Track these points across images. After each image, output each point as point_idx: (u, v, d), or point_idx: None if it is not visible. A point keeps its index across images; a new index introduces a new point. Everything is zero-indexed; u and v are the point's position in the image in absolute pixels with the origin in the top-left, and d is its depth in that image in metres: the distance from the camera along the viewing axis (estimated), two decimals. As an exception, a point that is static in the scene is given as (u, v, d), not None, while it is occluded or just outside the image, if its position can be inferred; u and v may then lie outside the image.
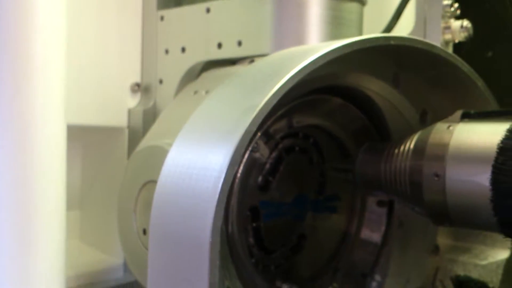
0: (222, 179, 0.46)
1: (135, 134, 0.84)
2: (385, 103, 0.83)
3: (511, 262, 0.87)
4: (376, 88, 0.80)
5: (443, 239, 0.91)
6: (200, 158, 0.51)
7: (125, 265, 0.90)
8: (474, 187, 0.64)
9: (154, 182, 0.61)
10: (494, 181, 0.59)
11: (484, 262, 0.87)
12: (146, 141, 0.72)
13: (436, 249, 0.90)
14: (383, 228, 0.91)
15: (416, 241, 0.90)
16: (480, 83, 0.80)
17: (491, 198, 0.60)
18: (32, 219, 0.65)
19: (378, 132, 0.86)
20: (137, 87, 0.89)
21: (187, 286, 0.51)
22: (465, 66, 0.77)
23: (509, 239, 0.62)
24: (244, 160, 0.72)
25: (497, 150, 0.59)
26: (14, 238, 0.65)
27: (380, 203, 0.91)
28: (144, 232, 0.68)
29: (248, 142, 0.49)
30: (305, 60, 0.56)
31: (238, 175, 0.72)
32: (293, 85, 0.57)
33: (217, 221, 0.47)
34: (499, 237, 0.90)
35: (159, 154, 0.57)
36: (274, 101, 0.51)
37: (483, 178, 0.62)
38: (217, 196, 0.48)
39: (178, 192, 0.53)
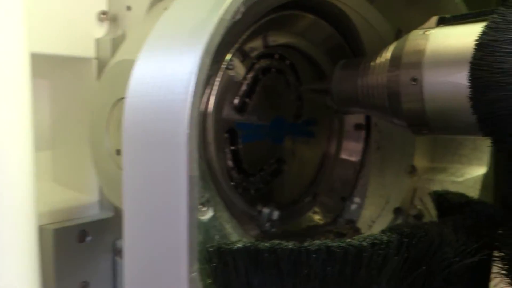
0: (197, 64, 0.45)
1: (104, 65, 0.81)
2: (360, 20, 0.82)
3: (488, 177, 0.88)
4: (350, 2, 0.78)
5: (419, 161, 0.92)
6: (173, 53, 0.49)
7: (100, 202, 0.88)
8: (451, 88, 0.64)
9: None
10: (473, 77, 0.59)
11: (461, 179, 0.88)
12: (117, 58, 0.69)
13: (413, 170, 0.90)
14: (361, 151, 0.91)
15: (393, 163, 0.90)
16: (455, -5, 0.79)
17: (470, 95, 0.59)
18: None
19: (353, 51, 0.84)
20: (104, 16, 0.85)
21: (165, 187, 0.50)
22: (440, -24, 0.76)
23: (488, 138, 0.61)
24: (219, 77, 0.71)
25: (475, 47, 0.59)
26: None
27: (357, 127, 0.91)
28: (118, 152, 0.66)
29: (223, 31, 0.48)
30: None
31: (213, 92, 0.70)
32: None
33: (193, 112, 0.46)
34: (475, 155, 0.93)
35: (130, 69, 0.54)
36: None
37: (460, 76, 0.61)
38: (192, 86, 0.46)
39: (150, 94, 0.51)
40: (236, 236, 0.63)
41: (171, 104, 0.47)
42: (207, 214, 0.58)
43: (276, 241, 0.49)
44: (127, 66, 0.61)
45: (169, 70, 0.49)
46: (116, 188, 0.67)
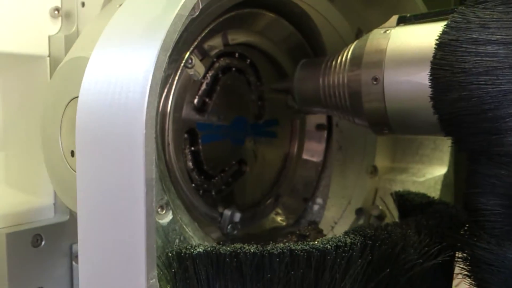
0: (154, 61, 0.43)
1: (57, 63, 0.78)
2: (321, 19, 0.81)
3: (449, 177, 0.89)
4: (310, 1, 0.77)
5: (381, 161, 0.92)
6: (127, 50, 0.47)
7: (56, 206, 0.85)
8: (413, 87, 0.64)
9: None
10: (434, 77, 0.59)
11: (422, 179, 0.89)
12: (69, 55, 0.66)
13: (374, 170, 0.90)
14: (322, 152, 0.90)
15: (355, 163, 0.90)
16: (415, -5, 0.79)
17: (431, 95, 0.59)
18: None
19: (314, 50, 0.84)
20: (57, 12, 0.82)
21: (121, 189, 0.47)
22: (400, -24, 0.76)
23: (449, 138, 0.61)
24: (177, 76, 0.69)
25: (435, 46, 0.59)
26: None
27: (319, 127, 0.90)
28: (72, 154, 0.63)
29: (180, 28, 0.46)
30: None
31: (172, 91, 0.68)
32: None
33: (150, 111, 0.44)
34: (435, 155, 0.93)
35: (84, 67, 0.52)
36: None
37: (422, 76, 0.61)
38: (148, 85, 0.44)
39: (104, 92, 0.49)
40: (196, 240, 0.61)
41: (127, 103, 0.45)
42: (166, 217, 0.56)
43: (238, 245, 0.47)
44: (81, 63, 0.58)
45: (124, 68, 0.46)
46: (71, 191, 0.64)
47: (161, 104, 0.67)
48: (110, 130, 0.48)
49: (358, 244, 0.48)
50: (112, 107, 0.47)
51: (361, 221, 0.87)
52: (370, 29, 0.71)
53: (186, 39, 0.63)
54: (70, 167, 0.64)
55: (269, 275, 0.45)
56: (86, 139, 0.51)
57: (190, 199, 0.73)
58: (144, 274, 0.47)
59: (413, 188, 0.85)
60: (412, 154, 0.92)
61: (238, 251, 0.45)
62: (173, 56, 0.63)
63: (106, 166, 0.49)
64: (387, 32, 0.68)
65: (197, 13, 0.51)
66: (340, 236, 0.49)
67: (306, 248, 0.45)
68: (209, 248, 0.47)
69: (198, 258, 0.47)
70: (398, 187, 0.88)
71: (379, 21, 0.73)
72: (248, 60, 0.81)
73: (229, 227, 0.76)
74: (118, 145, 0.46)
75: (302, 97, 0.78)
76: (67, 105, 0.63)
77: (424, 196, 0.78)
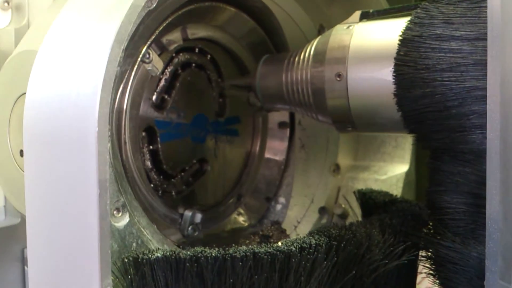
0: (107, 54, 0.40)
1: (7, 57, 0.74)
2: (283, 14, 0.79)
3: (410, 175, 0.89)
4: (273, -5, 0.76)
5: (343, 159, 0.91)
6: (79, 43, 0.44)
7: (6, 208, 0.80)
8: (376, 84, 0.63)
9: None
10: (397, 73, 0.58)
11: (384, 177, 0.88)
12: (18, 49, 0.62)
13: (337, 168, 0.89)
14: (285, 150, 0.89)
15: (317, 162, 0.89)
16: (377, -10, 0.78)
17: (395, 92, 0.58)
18: None
19: (275, 46, 0.82)
20: (6, 4, 0.78)
21: (73, 191, 0.44)
22: (362, -29, 0.75)
23: (412, 135, 0.61)
24: (134, 72, 0.66)
25: (399, 42, 0.58)
26: None
27: (281, 125, 0.89)
28: (21, 153, 0.59)
29: (135, 19, 0.43)
30: None
31: (128, 87, 0.65)
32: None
33: (103, 107, 0.41)
34: (397, 153, 0.93)
35: (33, 61, 0.48)
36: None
37: (385, 72, 0.60)
38: (101, 79, 0.41)
39: (53, 88, 0.46)
40: (155, 243, 0.58)
41: (78, 99, 0.42)
42: (123, 220, 0.53)
43: (198, 249, 0.45)
44: (29, 57, 0.55)
45: (76, 61, 0.43)
46: (20, 193, 0.61)
47: (117, 100, 0.63)
48: (60, 128, 0.44)
49: (323, 245, 0.46)
50: (62, 103, 0.44)
51: (324, 220, 0.86)
52: (332, 25, 0.70)
53: (143, 33, 0.60)
54: (19, 167, 0.61)
55: (231, 280, 0.43)
56: (34, 137, 0.48)
57: (149, 200, 0.70)
58: (98, 281, 0.44)
59: (376, 186, 0.84)
60: (374, 152, 0.92)
61: (199, 255, 0.43)
62: (129, 50, 0.60)
63: (56, 166, 0.46)
64: (350, 28, 0.67)
65: (154, 5, 0.48)
66: (304, 237, 0.48)
67: (270, 250, 0.43)
68: (168, 253, 0.45)
69: (156, 263, 0.44)
70: (360, 185, 0.87)
71: (342, 17, 0.72)
72: (209, 56, 0.78)
73: (189, 228, 0.74)
74: (69, 144, 0.43)
75: (264, 93, 0.76)
76: (16, 101, 0.59)
77: (386, 194, 0.77)
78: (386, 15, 0.67)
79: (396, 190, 0.87)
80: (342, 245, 0.47)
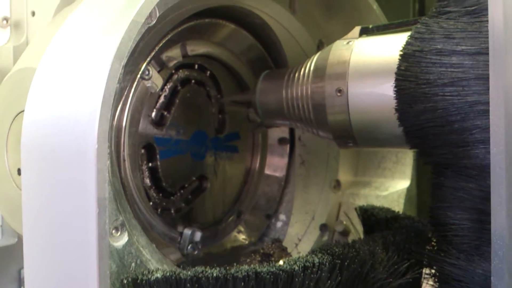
0: (107, 70, 0.39)
1: (6, 75, 0.73)
2: (282, 31, 0.79)
3: (411, 191, 0.88)
4: (272, 12, 0.75)
5: (344, 175, 0.90)
6: (78, 59, 0.44)
7: (2, 228, 0.79)
8: (377, 99, 0.62)
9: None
10: (398, 88, 0.57)
11: (385, 193, 0.88)
12: (17, 66, 0.62)
13: (338, 184, 0.88)
14: (285, 166, 0.88)
15: (318, 178, 0.88)
16: (375, 5, 0.78)
17: (396, 107, 0.58)
18: None
19: (275, 62, 0.82)
20: (5, 22, 0.77)
21: (71, 210, 0.44)
22: (360, -14, 0.75)
23: (414, 150, 0.60)
24: (134, 88, 0.65)
25: (400, 57, 0.57)
26: None
27: (281, 141, 0.88)
28: (19, 172, 0.59)
29: (135, 35, 0.43)
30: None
31: (128, 103, 0.64)
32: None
33: (103, 124, 0.40)
34: (398, 168, 0.92)
35: (31, 78, 0.48)
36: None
37: (386, 87, 0.60)
38: (101, 96, 0.40)
39: (52, 105, 0.45)
40: (154, 263, 0.57)
41: (77, 116, 0.42)
42: (122, 240, 0.52)
43: (199, 268, 0.44)
44: (28, 75, 0.54)
45: (75, 78, 0.43)
46: (17, 212, 0.60)
47: (116, 117, 0.63)
48: (59, 146, 0.44)
49: (327, 263, 0.45)
50: (61, 120, 0.43)
51: (325, 237, 0.85)
52: (331, 41, 0.70)
53: (143, 49, 0.59)
54: (17, 186, 0.60)
55: (233, 300, 0.42)
56: (32, 155, 0.47)
57: (148, 219, 0.69)
58: (97, 303, 0.43)
59: (377, 202, 0.84)
60: (374, 168, 0.91)
61: (200, 275, 0.42)
62: (129, 67, 0.59)
63: (55, 184, 0.46)
64: (350, 43, 0.67)
65: (154, 22, 0.48)
66: (307, 256, 0.47)
67: (272, 270, 0.42)
68: (168, 273, 0.44)
69: (156, 284, 0.43)
70: (361, 202, 0.86)
71: (340, 33, 0.72)
72: (208, 72, 0.78)
73: (189, 247, 0.73)
74: (68, 161, 0.43)
75: (264, 109, 0.75)
76: (14, 119, 0.59)
77: (388, 210, 0.76)
78: (385, 30, 0.66)
79: (398, 206, 0.86)
80: (346, 263, 0.46)
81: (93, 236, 0.43)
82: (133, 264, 0.51)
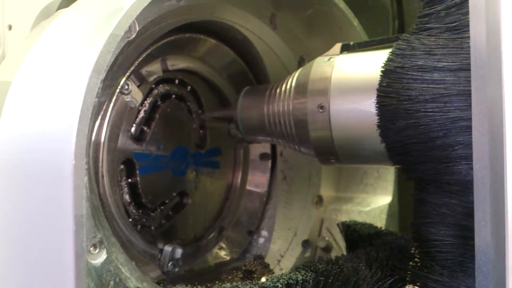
0: (85, 85, 0.38)
1: (-18, 90, 0.71)
2: (263, 46, 0.79)
3: (393, 206, 0.88)
4: (253, 27, 0.75)
5: (326, 191, 0.90)
6: (55, 73, 0.43)
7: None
8: (359, 115, 0.62)
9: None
10: (380, 105, 0.57)
11: (367, 209, 0.87)
12: (-8, 80, 0.60)
13: (320, 200, 0.88)
14: (267, 182, 0.87)
15: (300, 194, 0.88)
16: (356, 22, 0.79)
17: (378, 123, 0.58)
18: None
19: (256, 78, 0.82)
20: (-19, 35, 0.76)
21: (46, 228, 0.42)
22: (341, 3, 0.75)
23: (396, 166, 0.60)
24: (113, 103, 0.64)
25: (381, 73, 0.57)
26: None
27: (263, 156, 0.87)
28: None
29: (114, 48, 0.42)
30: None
31: (106, 119, 0.63)
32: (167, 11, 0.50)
33: (81, 139, 0.39)
34: (380, 184, 0.92)
35: (7, 92, 0.47)
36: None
37: (368, 104, 0.60)
38: (78, 110, 0.39)
39: (27, 120, 0.44)
40: (134, 281, 0.56)
41: (54, 131, 0.40)
42: (100, 257, 0.51)
43: (180, 286, 0.43)
44: (3, 89, 0.53)
45: (52, 92, 0.42)
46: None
47: (94, 132, 0.62)
48: (35, 162, 0.43)
49: (310, 281, 0.44)
50: (37, 135, 0.42)
51: (307, 254, 0.84)
52: (312, 57, 0.70)
53: (122, 63, 0.59)
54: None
55: (214, 320, 0.41)
56: (7, 171, 0.45)
57: (127, 236, 0.68)
58: (73, 324, 0.41)
59: (359, 218, 0.83)
60: (356, 184, 0.91)
61: (180, 294, 0.41)
62: (108, 81, 0.58)
63: (30, 202, 0.44)
64: (331, 59, 0.67)
65: (133, 36, 0.47)
66: (290, 273, 0.46)
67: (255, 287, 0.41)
68: (147, 292, 0.42)
69: (134, 304, 0.42)
70: (344, 217, 0.86)
71: (322, 49, 0.72)
72: (189, 87, 0.77)
73: (169, 264, 0.71)
74: (44, 178, 0.41)
75: (246, 125, 0.75)
76: (-12, 134, 0.57)
77: (371, 226, 0.76)
78: (367, 47, 0.67)
79: (380, 222, 0.86)
80: (330, 280, 0.46)
81: (70, 255, 0.42)
82: (111, 282, 0.50)
